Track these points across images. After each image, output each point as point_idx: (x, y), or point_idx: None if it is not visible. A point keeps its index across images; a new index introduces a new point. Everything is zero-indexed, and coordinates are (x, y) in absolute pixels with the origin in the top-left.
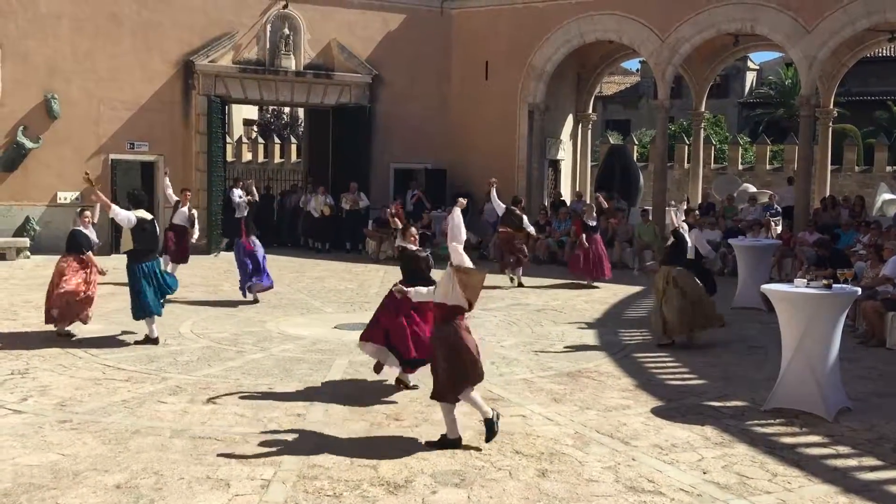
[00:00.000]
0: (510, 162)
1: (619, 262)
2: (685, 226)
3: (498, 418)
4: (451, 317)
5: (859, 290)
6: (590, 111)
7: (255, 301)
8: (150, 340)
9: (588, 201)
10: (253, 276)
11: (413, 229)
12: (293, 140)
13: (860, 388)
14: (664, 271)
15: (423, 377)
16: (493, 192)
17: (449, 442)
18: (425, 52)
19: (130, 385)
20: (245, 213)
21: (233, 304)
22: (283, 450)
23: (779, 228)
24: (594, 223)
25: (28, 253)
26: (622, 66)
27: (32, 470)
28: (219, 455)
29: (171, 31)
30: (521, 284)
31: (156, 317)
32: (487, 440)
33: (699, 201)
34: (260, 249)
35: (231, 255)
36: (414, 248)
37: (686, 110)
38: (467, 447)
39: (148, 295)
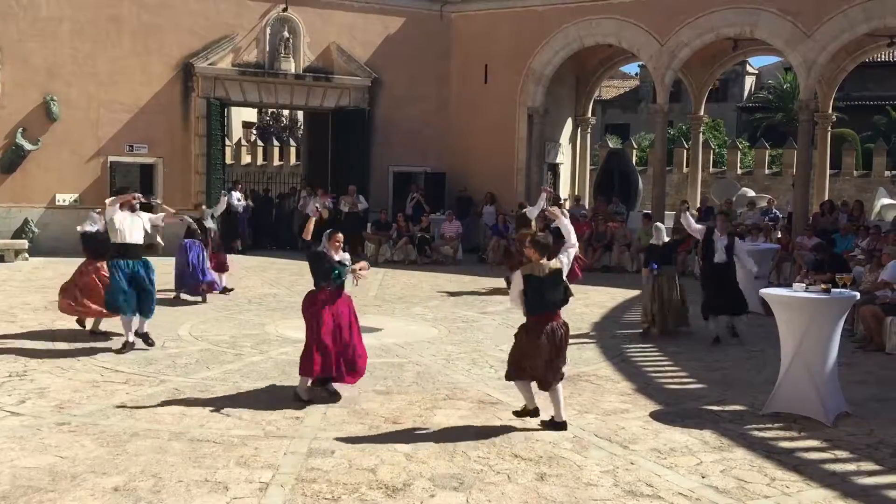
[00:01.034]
0: (509, 165)
1: (617, 266)
2: (660, 226)
3: (555, 426)
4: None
5: (858, 294)
6: (589, 115)
7: (204, 300)
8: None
9: (586, 205)
10: (203, 276)
11: (340, 235)
12: (292, 143)
13: (858, 393)
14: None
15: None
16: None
17: (556, 424)
18: (425, 55)
19: (129, 387)
20: (215, 225)
21: (232, 306)
22: (281, 453)
23: (777, 233)
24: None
25: (27, 255)
26: (621, 70)
27: (30, 472)
28: (217, 458)
29: (170, 33)
30: None
31: (134, 319)
32: (546, 426)
33: (698, 205)
34: (196, 250)
35: (231, 258)
36: (336, 256)
37: (685, 114)
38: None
39: (118, 290)
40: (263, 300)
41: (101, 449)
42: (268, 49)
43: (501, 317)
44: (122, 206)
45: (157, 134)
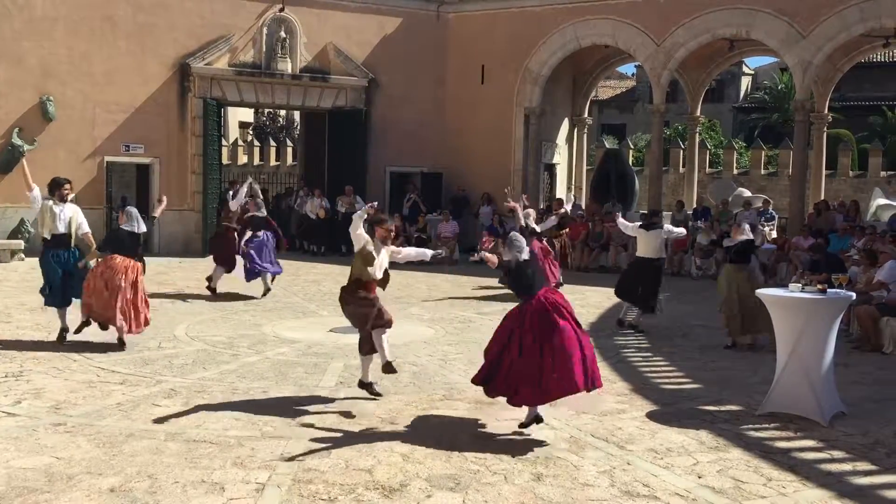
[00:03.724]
0: (506, 166)
1: (613, 266)
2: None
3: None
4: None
5: (854, 294)
6: (585, 115)
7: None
8: (63, 333)
9: (577, 203)
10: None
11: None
12: (289, 143)
13: (855, 393)
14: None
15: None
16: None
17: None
18: (421, 55)
19: (125, 388)
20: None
21: (228, 306)
22: (277, 453)
23: (773, 233)
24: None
25: (23, 255)
26: (618, 71)
27: (26, 473)
28: (213, 459)
29: (167, 33)
30: None
31: (67, 308)
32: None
33: (694, 205)
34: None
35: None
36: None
37: (681, 115)
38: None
39: (53, 284)
40: (260, 301)
41: (97, 449)
42: (264, 49)
43: (499, 317)
44: (54, 197)
45: (153, 134)
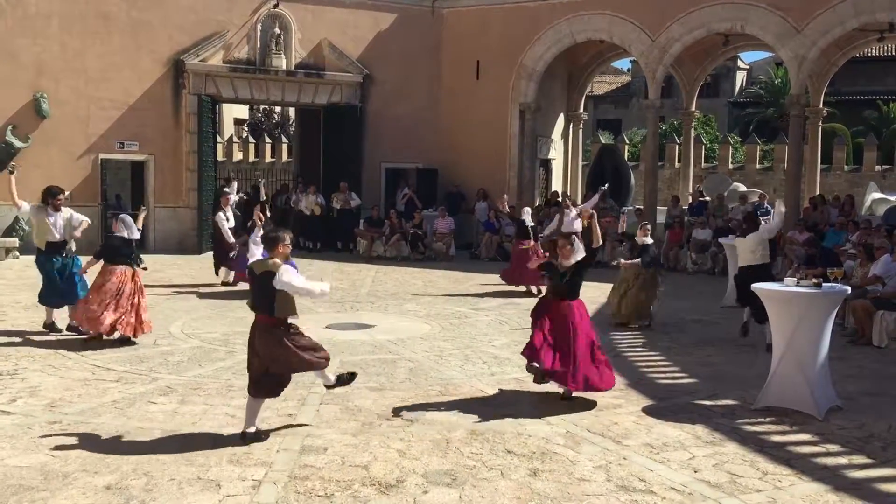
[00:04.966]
0: (501, 162)
1: (609, 261)
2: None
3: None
4: (278, 325)
5: (849, 289)
6: (581, 110)
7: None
8: (49, 326)
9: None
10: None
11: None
12: (284, 139)
13: (850, 387)
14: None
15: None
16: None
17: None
18: (416, 51)
19: (120, 385)
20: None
21: (224, 303)
22: (274, 450)
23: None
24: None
25: (17, 253)
26: (613, 66)
27: (22, 471)
28: (209, 456)
29: (161, 30)
30: None
31: (56, 310)
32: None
33: (690, 201)
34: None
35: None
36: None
37: (677, 110)
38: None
39: (50, 286)
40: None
41: (93, 447)
42: (259, 45)
43: (494, 313)
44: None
45: (147, 131)
